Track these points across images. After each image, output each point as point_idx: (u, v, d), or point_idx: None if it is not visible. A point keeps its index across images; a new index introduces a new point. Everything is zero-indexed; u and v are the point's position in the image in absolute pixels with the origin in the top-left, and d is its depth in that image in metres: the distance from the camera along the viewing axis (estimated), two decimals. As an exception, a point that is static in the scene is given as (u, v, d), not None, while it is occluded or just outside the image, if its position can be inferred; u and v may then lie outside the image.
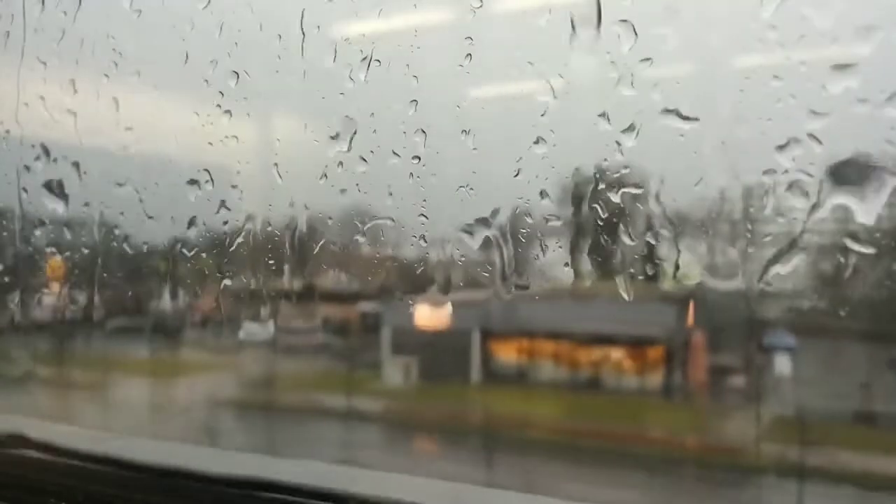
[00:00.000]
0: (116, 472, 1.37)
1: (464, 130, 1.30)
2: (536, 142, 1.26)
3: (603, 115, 1.20)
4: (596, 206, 1.29)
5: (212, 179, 1.57)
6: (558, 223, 1.32)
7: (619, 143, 1.20)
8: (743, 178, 1.16)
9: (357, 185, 1.41)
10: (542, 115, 1.25)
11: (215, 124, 1.52)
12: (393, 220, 1.40)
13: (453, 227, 1.38)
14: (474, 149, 1.30)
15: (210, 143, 1.55)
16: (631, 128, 1.18)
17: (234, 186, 1.57)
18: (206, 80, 1.51)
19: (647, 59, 1.15)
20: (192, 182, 1.58)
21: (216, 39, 1.50)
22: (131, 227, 1.69)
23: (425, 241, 1.41)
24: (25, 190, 1.77)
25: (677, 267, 1.23)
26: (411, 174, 1.36)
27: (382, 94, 1.37)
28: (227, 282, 1.69)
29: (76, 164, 1.71)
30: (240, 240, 1.59)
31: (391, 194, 1.39)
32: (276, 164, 1.51)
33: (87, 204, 1.72)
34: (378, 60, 1.34)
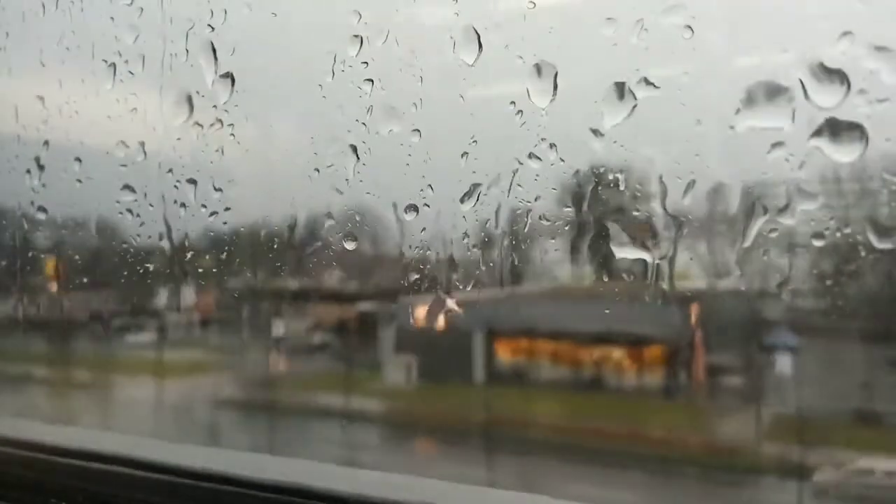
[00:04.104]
0: (116, 471, 1.37)
1: (471, 135, 1.30)
2: (537, 143, 1.26)
3: (604, 114, 1.20)
4: (596, 205, 1.30)
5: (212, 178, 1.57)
6: (559, 223, 1.32)
7: (620, 143, 1.20)
8: (743, 177, 1.16)
9: (357, 184, 1.41)
10: (543, 115, 1.24)
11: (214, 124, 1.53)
12: (393, 220, 1.40)
13: (453, 225, 1.38)
14: (474, 141, 1.30)
15: (209, 143, 1.55)
16: (632, 128, 1.18)
17: (232, 184, 1.57)
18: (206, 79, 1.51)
19: (649, 58, 1.15)
20: (191, 181, 1.58)
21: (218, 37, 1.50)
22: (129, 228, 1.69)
23: (425, 240, 1.42)
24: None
25: (675, 266, 1.23)
26: (413, 171, 1.36)
27: (382, 93, 1.36)
28: (227, 282, 1.69)
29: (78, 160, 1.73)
30: (238, 239, 1.59)
31: (391, 192, 1.40)
32: (276, 164, 1.52)
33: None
34: (376, 60, 1.35)
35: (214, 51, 1.49)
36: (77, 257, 1.94)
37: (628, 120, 1.18)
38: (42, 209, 1.82)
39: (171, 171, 1.61)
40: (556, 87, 1.22)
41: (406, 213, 1.38)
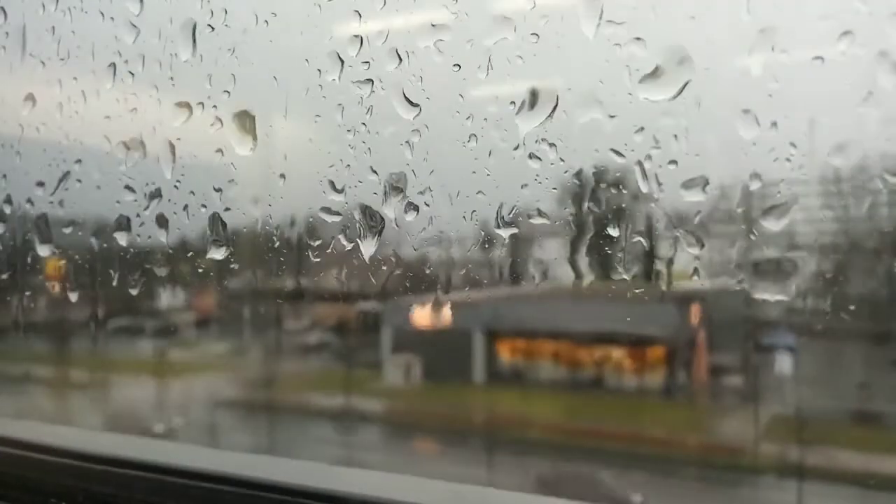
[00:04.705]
0: (116, 472, 1.37)
1: (471, 135, 1.30)
2: (538, 141, 1.26)
3: (603, 115, 1.20)
4: (596, 205, 1.29)
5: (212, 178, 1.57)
6: (559, 223, 1.32)
7: (619, 143, 1.20)
8: (743, 177, 1.16)
9: (357, 184, 1.41)
10: (544, 115, 1.25)
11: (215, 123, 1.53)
12: (395, 222, 1.40)
13: (453, 226, 1.38)
14: (474, 140, 1.30)
15: (212, 143, 1.55)
16: (632, 128, 1.18)
17: (232, 184, 1.57)
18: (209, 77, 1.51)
19: (649, 58, 1.15)
20: (191, 182, 1.58)
21: (219, 38, 1.50)
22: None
23: (425, 240, 1.42)
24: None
25: (675, 266, 1.23)
26: (413, 171, 1.36)
27: (382, 93, 1.37)
28: (228, 282, 1.69)
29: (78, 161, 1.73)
30: (238, 239, 1.59)
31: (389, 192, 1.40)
32: (276, 164, 1.52)
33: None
34: (377, 60, 1.35)
35: (216, 51, 1.49)
36: (77, 257, 1.94)
37: (628, 120, 1.18)
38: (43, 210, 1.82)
39: (171, 171, 1.61)
40: (556, 86, 1.22)
41: (406, 212, 1.38)
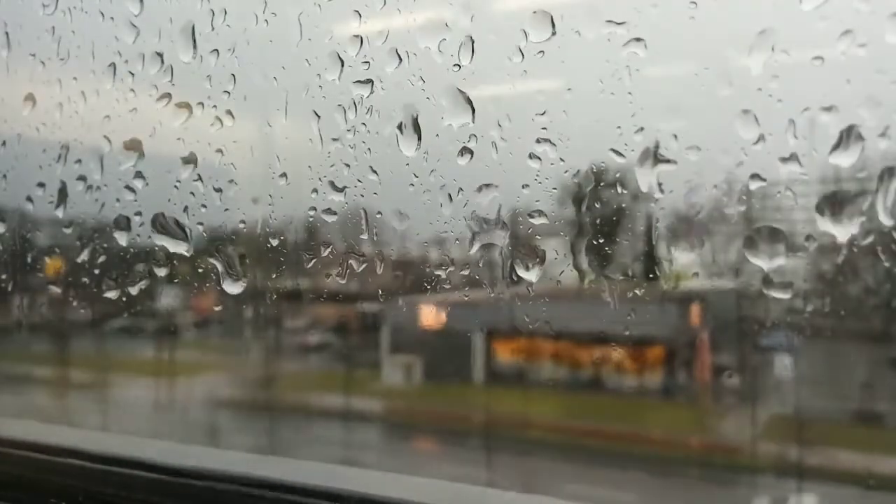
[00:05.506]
0: (116, 471, 1.37)
1: (471, 135, 1.30)
2: (538, 141, 1.26)
3: (603, 115, 1.21)
4: (596, 206, 1.30)
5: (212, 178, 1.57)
6: (559, 223, 1.33)
7: (619, 143, 1.20)
8: (741, 177, 1.16)
9: (356, 184, 1.41)
10: (543, 115, 1.25)
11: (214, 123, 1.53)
12: (393, 223, 1.40)
13: (453, 226, 1.38)
14: (474, 141, 1.30)
15: (210, 143, 1.55)
16: (631, 128, 1.18)
17: (232, 184, 1.57)
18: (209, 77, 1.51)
19: (649, 59, 1.15)
20: (192, 181, 1.58)
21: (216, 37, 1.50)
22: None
23: (425, 241, 1.42)
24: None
25: (675, 266, 1.24)
26: (413, 174, 1.36)
27: (382, 93, 1.37)
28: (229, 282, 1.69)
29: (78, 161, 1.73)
30: (238, 239, 1.59)
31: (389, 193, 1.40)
32: (276, 164, 1.52)
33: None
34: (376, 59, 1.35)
35: (215, 51, 1.49)
36: (77, 257, 1.94)
37: (627, 119, 1.18)
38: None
39: (169, 171, 1.61)
40: (555, 86, 1.22)
41: (405, 212, 1.38)
